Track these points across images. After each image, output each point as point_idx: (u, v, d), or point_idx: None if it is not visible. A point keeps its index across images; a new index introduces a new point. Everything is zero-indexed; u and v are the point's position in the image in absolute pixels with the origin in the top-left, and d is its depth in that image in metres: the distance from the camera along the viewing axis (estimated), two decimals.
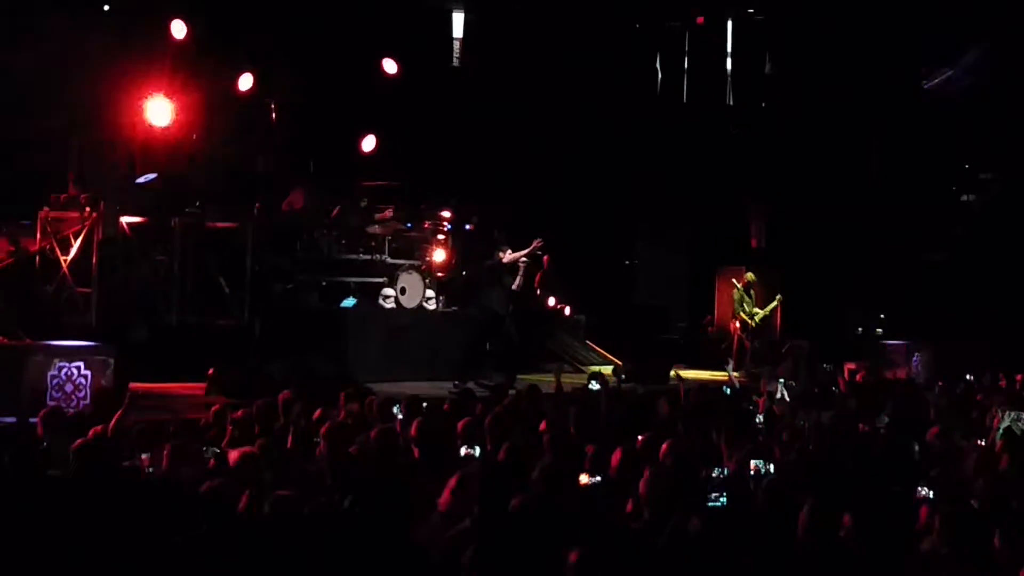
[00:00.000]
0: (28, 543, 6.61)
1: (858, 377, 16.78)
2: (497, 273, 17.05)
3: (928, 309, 22.74)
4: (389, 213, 18.45)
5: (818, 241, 24.05)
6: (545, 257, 19.13)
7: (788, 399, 14.13)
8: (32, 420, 9.92)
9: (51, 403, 11.86)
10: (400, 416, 10.36)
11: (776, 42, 25.14)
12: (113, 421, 9.62)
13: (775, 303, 20.87)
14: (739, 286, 20.60)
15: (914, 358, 20.26)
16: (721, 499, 7.21)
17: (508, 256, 16.95)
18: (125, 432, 9.34)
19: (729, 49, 25.38)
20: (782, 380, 16.15)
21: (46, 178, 16.66)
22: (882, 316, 23.91)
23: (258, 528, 6.69)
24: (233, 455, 8.27)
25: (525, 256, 17.01)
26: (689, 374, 18.67)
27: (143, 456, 8.54)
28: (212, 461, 8.33)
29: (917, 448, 10.02)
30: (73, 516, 6.95)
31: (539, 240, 16.90)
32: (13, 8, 17.07)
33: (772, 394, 14.16)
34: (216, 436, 9.76)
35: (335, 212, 18.16)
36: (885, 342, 21.58)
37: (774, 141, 24.48)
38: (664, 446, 8.62)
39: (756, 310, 20.47)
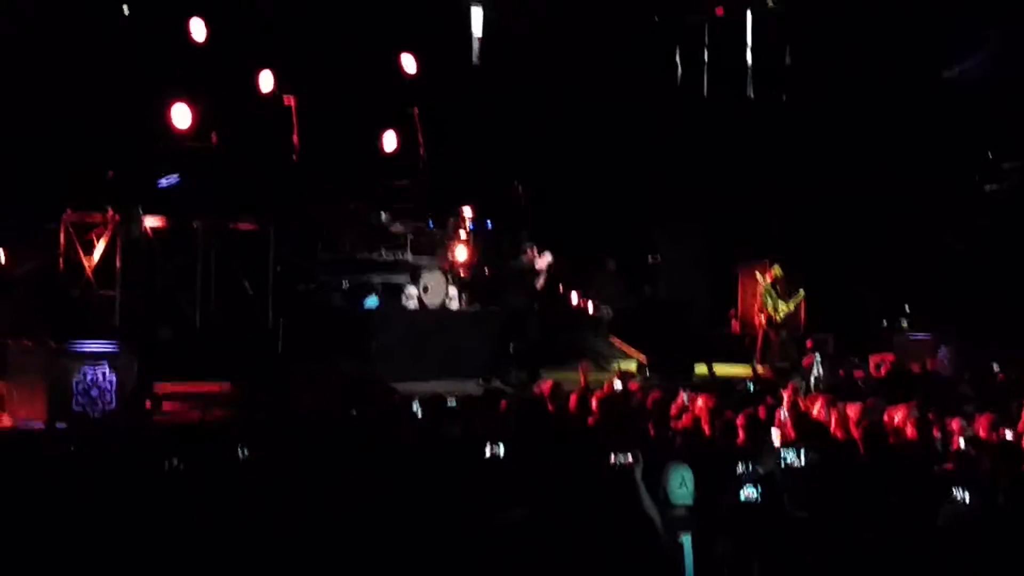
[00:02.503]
0: (58, 542, 6.62)
1: (883, 370, 16.70)
2: (521, 272, 17.09)
3: (954, 300, 22.59)
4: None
5: (840, 234, 23.93)
6: None
7: (813, 392, 14.08)
8: (59, 425, 9.96)
9: (77, 408, 11.89)
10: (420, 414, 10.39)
11: (797, 34, 25.01)
12: (139, 422, 9.67)
13: (798, 297, 20.81)
14: (766, 281, 20.53)
15: (940, 350, 20.12)
16: (755, 493, 7.16)
17: (543, 260, 17.06)
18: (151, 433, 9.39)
19: (749, 41, 25.26)
20: (808, 371, 16.12)
21: (70, 182, 16.70)
22: (907, 308, 23.77)
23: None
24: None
25: (551, 259, 17.17)
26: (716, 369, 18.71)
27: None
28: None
29: (942, 440, 9.98)
30: (104, 516, 6.97)
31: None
32: (33, 12, 17.11)
33: (797, 388, 14.11)
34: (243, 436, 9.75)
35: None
36: (910, 334, 21.45)
37: (795, 133, 24.36)
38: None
39: (780, 304, 20.40)
